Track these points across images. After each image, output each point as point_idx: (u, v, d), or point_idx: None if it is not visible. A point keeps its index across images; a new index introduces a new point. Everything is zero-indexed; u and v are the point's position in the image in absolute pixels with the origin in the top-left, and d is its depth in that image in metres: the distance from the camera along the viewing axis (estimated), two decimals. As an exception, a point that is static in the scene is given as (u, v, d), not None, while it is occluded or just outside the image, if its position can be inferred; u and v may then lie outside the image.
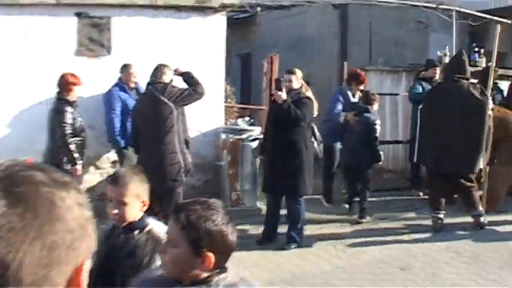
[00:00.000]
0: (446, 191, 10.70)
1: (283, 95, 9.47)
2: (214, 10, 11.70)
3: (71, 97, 9.76)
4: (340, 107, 11.84)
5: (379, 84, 13.97)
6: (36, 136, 10.24)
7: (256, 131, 11.43)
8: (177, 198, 8.90)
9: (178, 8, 11.50)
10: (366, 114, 11.13)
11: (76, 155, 9.63)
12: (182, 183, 9.19)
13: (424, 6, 14.44)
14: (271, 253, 9.48)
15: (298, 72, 10.00)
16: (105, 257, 3.80)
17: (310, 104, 9.73)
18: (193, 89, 9.14)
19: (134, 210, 4.09)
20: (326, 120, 12.10)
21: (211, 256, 2.90)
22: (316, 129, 10.38)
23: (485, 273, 8.53)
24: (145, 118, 9.07)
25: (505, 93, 12.99)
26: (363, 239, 10.21)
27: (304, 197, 9.86)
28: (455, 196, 11.13)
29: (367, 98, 11.38)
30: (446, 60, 12.87)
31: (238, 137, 11.47)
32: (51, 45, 10.91)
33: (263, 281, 7.71)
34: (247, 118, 13.00)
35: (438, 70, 12.35)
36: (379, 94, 12.15)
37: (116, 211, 4.05)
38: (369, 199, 11.37)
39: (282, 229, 9.94)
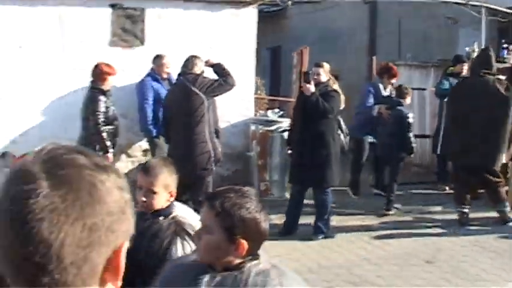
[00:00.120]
0: (472, 185, 10.71)
1: (312, 87, 9.56)
2: (246, 3, 11.80)
3: (105, 86, 9.89)
4: (371, 100, 11.93)
5: (407, 79, 13.99)
6: (70, 124, 10.43)
7: (286, 123, 11.47)
8: (207, 187, 9.04)
9: (210, 1, 11.62)
10: (399, 108, 11.23)
11: (108, 143, 9.77)
12: (212, 172, 9.28)
13: (454, 2, 14.44)
14: (299, 243, 9.56)
15: (326, 66, 10.10)
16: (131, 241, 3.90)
17: (337, 96, 9.83)
18: (223, 80, 9.20)
19: (162, 199, 4.22)
20: (358, 113, 12.20)
21: (244, 243, 2.94)
22: (342, 122, 10.46)
23: (509, 268, 8.54)
24: (177, 108, 9.16)
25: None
26: (389, 231, 10.27)
27: (331, 188, 9.95)
28: (481, 191, 11.16)
29: (400, 92, 11.49)
30: (475, 56, 12.86)
31: (268, 128, 11.57)
32: (86, 36, 11.06)
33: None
34: (276, 110, 13.07)
35: (466, 66, 12.34)
36: (407, 88, 12.22)
37: (144, 199, 4.20)
38: (396, 192, 11.47)
39: (308, 220, 10.06)
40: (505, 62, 12.86)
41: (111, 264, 1.40)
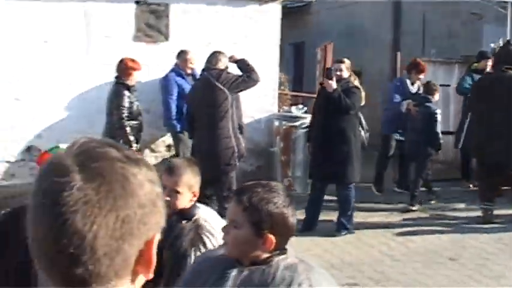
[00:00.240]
0: (496, 182, 10.68)
1: (334, 84, 9.56)
2: (270, -1, 11.84)
3: (130, 82, 9.92)
4: (399, 96, 11.93)
5: (431, 75, 13.92)
6: (95, 118, 10.51)
7: (309, 119, 11.47)
8: (230, 182, 9.06)
9: (235, -4, 11.66)
10: (427, 104, 11.24)
11: (131, 138, 9.79)
12: (235, 168, 9.27)
13: (479, -2, 14.39)
14: (322, 239, 9.57)
15: (347, 62, 10.10)
16: None
17: (358, 93, 9.83)
18: (247, 75, 9.18)
19: (185, 199, 4.26)
20: (386, 109, 12.21)
21: (272, 238, 2.94)
22: (362, 118, 10.46)
23: (533, 265, 8.54)
24: (200, 103, 9.16)
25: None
26: (412, 228, 10.25)
27: (355, 184, 9.95)
28: (505, 188, 11.11)
29: (428, 88, 11.50)
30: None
31: (291, 124, 11.58)
32: (110, 31, 11.13)
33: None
34: (300, 106, 13.07)
35: (490, 62, 12.28)
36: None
37: (168, 198, 4.22)
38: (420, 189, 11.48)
39: (331, 217, 10.07)
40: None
41: (143, 256, 1.41)
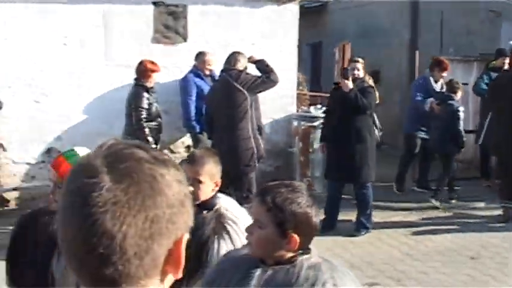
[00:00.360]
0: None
1: (350, 83, 9.57)
2: (287, -1, 11.85)
3: (149, 83, 9.95)
4: (422, 94, 11.94)
5: (450, 73, 13.90)
6: (114, 120, 10.56)
7: (325, 119, 11.51)
8: (250, 183, 9.07)
9: (252, -3, 11.68)
10: (450, 102, 11.27)
11: (150, 139, 9.80)
12: (255, 169, 9.25)
13: (497, -5, 14.35)
14: (342, 239, 9.57)
15: (362, 61, 10.12)
16: None
17: (373, 92, 9.86)
18: (266, 76, 9.13)
19: (208, 189, 4.26)
20: (410, 108, 12.23)
21: (296, 237, 2.95)
22: (376, 117, 10.46)
23: (554, 264, 8.51)
24: (219, 104, 9.15)
25: None
26: (432, 227, 10.24)
27: (374, 184, 9.94)
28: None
29: (451, 86, 11.54)
30: (514, 49, 12.77)
31: (310, 124, 11.58)
32: (129, 33, 11.17)
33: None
34: (318, 106, 13.07)
35: (508, 60, 12.24)
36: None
37: (191, 189, 4.22)
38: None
39: (350, 216, 10.06)
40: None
41: (172, 256, 1.43)
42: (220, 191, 4.41)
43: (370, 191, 9.86)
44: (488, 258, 8.81)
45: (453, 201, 11.56)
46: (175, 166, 1.47)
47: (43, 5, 10.83)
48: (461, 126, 11.26)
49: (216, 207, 4.21)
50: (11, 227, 3.92)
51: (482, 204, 11.52)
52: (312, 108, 12.75)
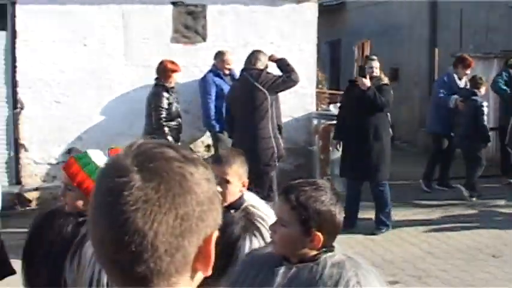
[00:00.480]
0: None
1: (368, 81, 9.57)
2: (307, -3, 11.83)
3: (169, 83, 9.98)
4: (445, 90, 11.92)
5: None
6: (134, 120, 10.60)
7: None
8: (270, 182, 9.06)
9: (272, -4, 11.67)
10: (473, 98, 11.30)
11: (170, 138, 9.81)
12: (275, 168, 9.22)
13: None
14: (362, 237, 9.57)
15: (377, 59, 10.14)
16: None
17: (390, 90, 9.85)
18: (287, 76, 9.09)
19: (235, 189, 4.22)
20: (435, 106, 12.22)
21: (320, 235, 2.95)
22: (388, 115, 10.47)
23: None
24: (240, 104, 9.14)
25: None
26: (453, 225, 10.21)
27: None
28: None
29: (474, 82, 11.60)
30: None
31: (330, 122, 11.55)
32: (148, 33, 11.21)
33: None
34: (338, 104, 13.04)
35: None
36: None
37: (219, 189, 4.19)
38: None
39: (371, 215, 10.05)
40: None
41: (201, 253, 1.44)
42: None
43: (387, 188, 9.86)
44: (510, 256, 8.76)
45: (474, 199, 11.52)
46: (203, 164, 1.49)
47: (63, 6, 10.89)
48: (486, 122, 11.25)
49: (243, 206, 4.19)
50: (32, 227, 3.96)
51: (503, 202, 11.48)
52: (331, 106, 12.74)
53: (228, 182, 4.18)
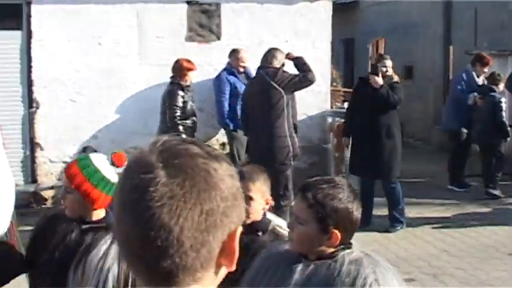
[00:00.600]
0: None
1: (380, 80, 9.57)
2: (321, -5, 11.83)
3: (185, 82, 10.01)
4: (462, 87, 11.92)
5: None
6: (149, 118, 10.64)
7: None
8: (286, 180, 9.05)
9: (286, -6, 11.67)
10: (492, 94, 11.34)
11: (184, 137, 9.83)
12: (290, 167, 9.19)
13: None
14: (377, 234, 9.57)
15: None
16: None
17: (401, 88, 9.87)
18: (303, 75, 9.09)
19: (259, 207, 4.11)
20: (452, 103, 12.20)
21: (337, 233, 2.95)
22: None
23: None
24: (256, 102, 9.13)
25: None
26: (468, 223, 10.20)
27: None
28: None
29: (492, 79, 11.68)
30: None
31: (344, 120, 11.55)
32: (163, 31, 11.24)
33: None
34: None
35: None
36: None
37: None
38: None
39: (385, 212, 10.03)
40: None
41: (225, 248, 1.46)
42: None
43: (399, 185, 9.86)
44: (526, 254, 8.76)
45: (500, 193, 11.54)
46: (227, 161, 1.50)
47: (77, 6, 10.94)
48: (505, 118, 11.26)
49: (270, 227, 4.11)
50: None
51: (517, 200, 11.47)
52: (346, 104, 12.72)
53: (251, 198, 4.03)
